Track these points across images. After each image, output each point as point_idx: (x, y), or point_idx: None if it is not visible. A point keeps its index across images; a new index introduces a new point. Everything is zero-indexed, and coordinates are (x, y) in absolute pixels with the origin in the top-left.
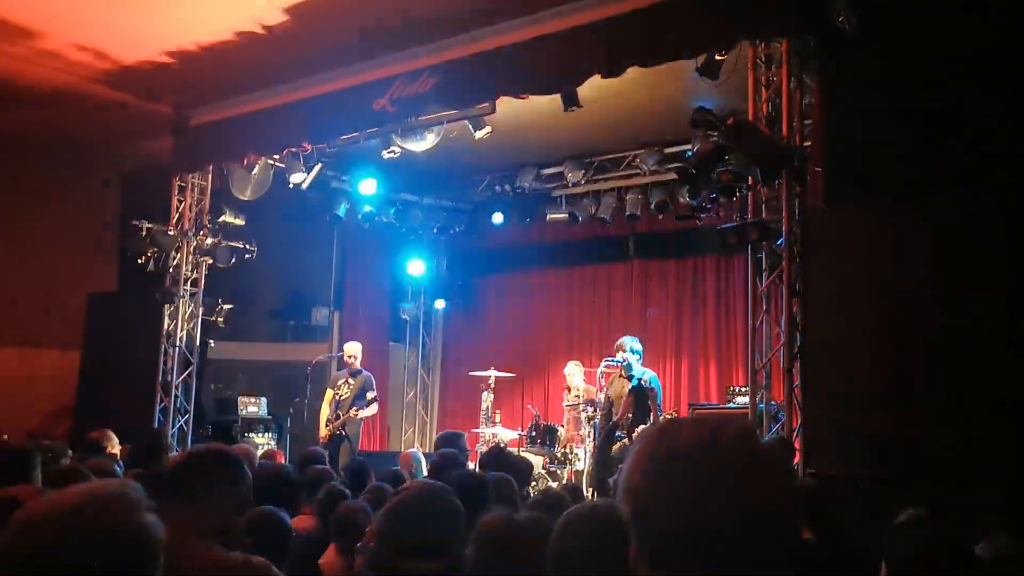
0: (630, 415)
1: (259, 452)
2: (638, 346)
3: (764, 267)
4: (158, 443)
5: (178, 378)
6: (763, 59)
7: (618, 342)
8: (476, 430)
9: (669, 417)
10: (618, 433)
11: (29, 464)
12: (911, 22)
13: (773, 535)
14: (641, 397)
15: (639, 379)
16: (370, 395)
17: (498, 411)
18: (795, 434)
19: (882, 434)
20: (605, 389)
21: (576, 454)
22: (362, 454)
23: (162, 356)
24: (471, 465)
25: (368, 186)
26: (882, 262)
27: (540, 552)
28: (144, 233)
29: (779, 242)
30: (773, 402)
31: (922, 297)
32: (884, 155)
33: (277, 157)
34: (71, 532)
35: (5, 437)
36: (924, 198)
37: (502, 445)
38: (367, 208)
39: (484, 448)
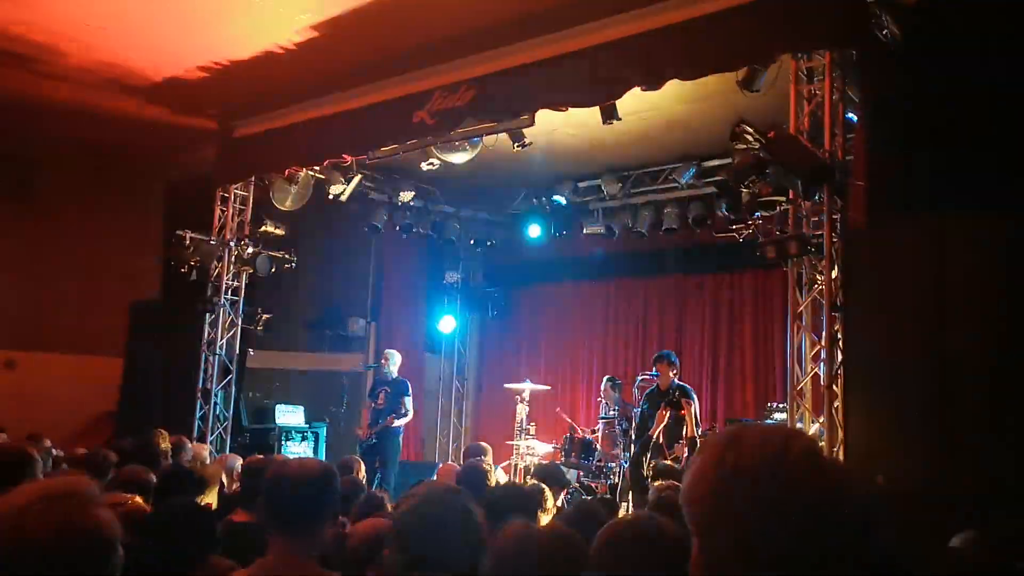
0: (663, 428)
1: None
2: (675, 360)
3: (804, 282)
4: (153, 445)
5: (218, 386)
6: (805, 72)
7: (655, 356)
8: (510, 442)
9: (734, 427)
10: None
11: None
12: (955, 35)
13: (839, 550)
14: (676, 411)
15: (675, 392)
16: (406, 400)
17: (533, 423)
18: (835, 451)
19: (926, 452)
20: (640, 403)
21: (611, 468)
22: (400, 464)
23: (203, 364)
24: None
25: (406, 198)
26: (925, 279)
27: (558, 563)
28: (187, 243)
29: (819, 257)
30: (813, 419)
31: (966, 314)
32: (928, 170)
33: (317, 168)
34: (21, 532)
35: (3, 436)
36: (969, 214)
37: (554, 463)
38: (405, 219)
39: (519, 461)
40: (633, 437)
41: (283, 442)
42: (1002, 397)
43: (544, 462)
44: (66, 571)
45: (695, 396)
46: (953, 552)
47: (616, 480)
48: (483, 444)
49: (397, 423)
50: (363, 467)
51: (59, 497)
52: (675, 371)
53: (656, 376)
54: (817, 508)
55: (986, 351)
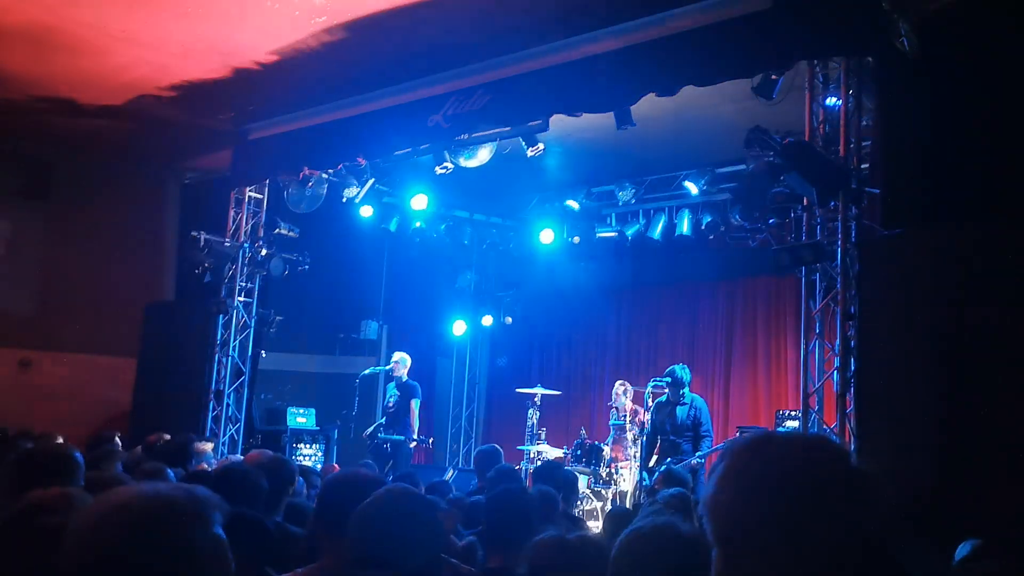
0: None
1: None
2: (682, 377)
3: (818, 290)
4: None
5: (230, 387)
6: (821, 79)
7: (667, 372)
8: (521, 447)
9: (759, 434)
10: (668, 459)
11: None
12: (972, 43)
13: (867, 560)
14: (687, 425)
15: (686, 407)
16: (413, 404)
17: (543, 428)
18: None
19: (940, 461)
20: (651, 412)
21: (621, 474)
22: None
23: (215, 365)
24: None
25: (419, 201)
26: (941, 287)
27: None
28: (201, 244)
29: (834, 264)
30: (826, 427)
31: (983, 324)
32: (945, 178)
33: (331, 171)
34: (118, 533)
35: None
36: (986, 222)
37: (556, 460)
38: (418, 223)
39: (530, 465)
40: (644, 443)
41: (295, 445)
42: (1018, 408)
43: (550, 460)
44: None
45: (706, 407)
46: (964, 561)
47: (626, 487)
48: (496, 447)
49: (412, 444)
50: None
51: (158, 506)
52: (684, 387)
53: (669, 382)
54: (844, 517)
55: (1003, 361)
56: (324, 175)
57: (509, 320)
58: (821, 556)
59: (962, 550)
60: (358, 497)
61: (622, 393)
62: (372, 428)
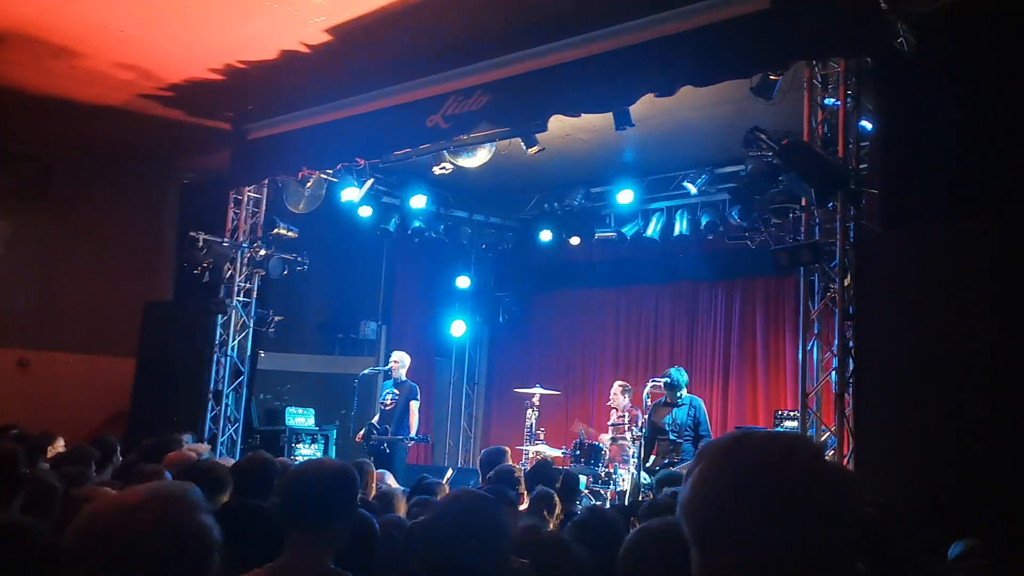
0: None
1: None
2: (684, 377)
3: (816, 290)
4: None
5: (229, 387)
6: (819, 80)
7: (665, 371)
8: (520, 447)
9: (736, 433)
10: (667, 460)
11: None
12: (971, 44)
13: (842, 561)
14: (687, 425)
15: (684, 408)
16: (413, 406)
17: (542, 428)
18: (846, 461)
19: (937, 462)
20: (649, 412)
21: (620, 475)
22: (409, 467)
23: (214, 365)
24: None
25: (418, 201)
26: (939, 287)
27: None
28: (200, 244)
29: (832, 265)
30: (824, 427)
31: (980, 324)
32: (943, 178)
33: (330, 172)
34: (133, 529)
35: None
36: (984, 223)
37: (548, 460)
38: (417, 223)
39: (529, 466)
40: (642, 443)
41: (293, 444)
42: (1016, 408)
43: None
44: (168, 570)
45: (703, 407)
46: (957, 559)
47: (625, 487)
48: (503, 447)
49: (409, 442)
50: (375, 471)
51: (170, 499)
52: (681, 389)
53: (668, 379)
54: (821, 516)
55: (1000, 361)
56: (323, 175)
57: (504, 319)
58: (796, 556)
59: (954, 549)
60: (323, 488)
61: (620, 393)
62: (365, 429)
